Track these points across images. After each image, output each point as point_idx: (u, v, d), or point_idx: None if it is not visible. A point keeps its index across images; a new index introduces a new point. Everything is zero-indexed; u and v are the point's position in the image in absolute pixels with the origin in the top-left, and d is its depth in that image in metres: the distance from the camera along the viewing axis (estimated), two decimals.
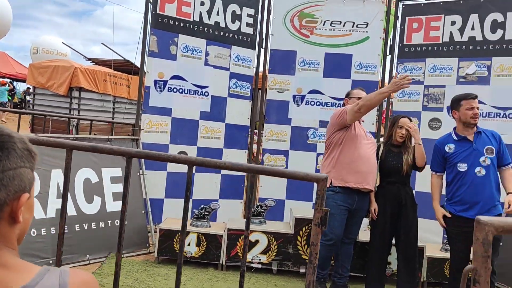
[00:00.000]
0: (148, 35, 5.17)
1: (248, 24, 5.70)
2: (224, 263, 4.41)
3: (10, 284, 0.83)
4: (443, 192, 3.77)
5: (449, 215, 3.59)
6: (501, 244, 3.68)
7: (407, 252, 3.88)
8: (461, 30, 5.25)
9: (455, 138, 3.60)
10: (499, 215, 3.44)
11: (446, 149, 3.61)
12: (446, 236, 4.04)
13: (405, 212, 3.84)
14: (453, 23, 5.29)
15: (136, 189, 4.86)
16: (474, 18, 5.20)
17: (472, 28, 5.19)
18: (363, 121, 4.07)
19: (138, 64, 5.41)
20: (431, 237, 4.90)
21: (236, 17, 5.63)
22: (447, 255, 4.30)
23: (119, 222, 4.55)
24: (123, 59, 11.40)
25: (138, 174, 4.97)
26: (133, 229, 4.62)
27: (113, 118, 10.49)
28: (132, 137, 5.21)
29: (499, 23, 5.09)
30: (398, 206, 3.84)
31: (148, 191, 5.01)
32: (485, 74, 5.08)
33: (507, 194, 3.38)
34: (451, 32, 5.30)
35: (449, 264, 4.13)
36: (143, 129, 5.21)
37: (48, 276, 0.87)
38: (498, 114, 5.00)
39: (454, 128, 3.66)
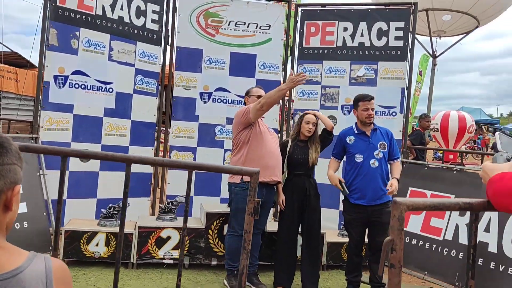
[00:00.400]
0: (47, 28, 4.90)
1: (153, 21, 5.67)
2: (135, 261, 4.39)
3: (5, 264, 0.94)
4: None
5: (343, 180, 3.98)
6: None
7: (312, 239, 4.22)
8: (352, 36, 5.81)
9: (356, 131, 4.04)
10: (388, 201, 3.93)
11: (347, 140, 4.03)
12: (343, 222, 4.48)
13: (310, 202, 4.18)
14: (345, 29, 5.83)
15: (36, 189, 4.60)
16: (363, 25, 5.78)
17: (362, 35, 5.78)
18: (263, 117, 4.31)
19: (36, 58, 5.08)
20: (329, 224, 5.37)
21: (140, 12, 5.56)
22: (344, 239, 4.77)
23: (19, 225, 4.29)
24: (10, 51, 10.45)
25: (38, 174, 4.70)
26: (34, 232, 4.38)
27: None
28: (31, 135, 4.90)
29: (383, 31, 5.73)
30: (304, 197, 4.17)
31: (49, 191, 4.76)
32: (373, 76, 5.70)
33: (392, 178, 3.90)
34: (344, 38, 5.83)
35: (346, 248, 4.60)
36: (42, 127, 4.93)
37: (36, 260, 1.00)
38: (384, 112, 5.64)
39: (356, 123, 4.09)
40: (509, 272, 4.09)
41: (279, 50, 5.93)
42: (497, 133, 1.69)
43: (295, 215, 4.17)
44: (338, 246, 4.88)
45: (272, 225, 4.80)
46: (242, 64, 5.83)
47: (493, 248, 4.34)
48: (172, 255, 4.47)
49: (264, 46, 5.88)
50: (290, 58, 6.09)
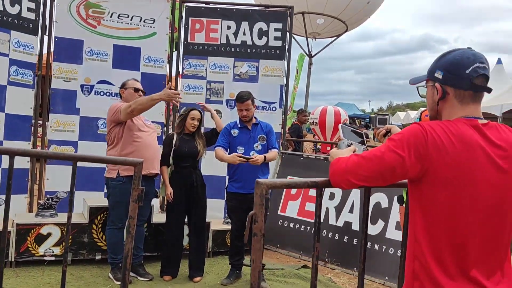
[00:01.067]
0: None
1: (29, 9, 5.33)
2: (13, 260, 4.18)
3: None
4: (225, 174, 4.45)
5: (240, 154, 4.22)
6: (267, 213, 4.59)
7: (198, 229, 4.42)
8: (235, 34, 6.11)
9: (239, 125, 4.33)
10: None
11: (232, 132, 4.31)
12: (226, 210, 4.76)
13: (197, 193, 4.37)
14: (228, 27, 6.10)
15: None
16: (245, 25, 6.11)
17: (244, 34, 6.10)
18: None
19: None
20: (214, 214, 5.62)
21: (15, 0, 5.20)
22: (228, 227, 5.05)
23: None
24: None
25: None
26: None
27: None
28: None
29: (264, 31, 6.12)
30: (191, 188, 4.35)
31: None
32: (255, 73, 6.06)
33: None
34: (227, 35, 6.10)
35: (230, 234, 4.88)
36: None
37: None
38: (265, 107, 6.05)
39: (239, 118, 4.37)
40: (389, 252, 4.67)
41: (164, 45, 5.99)
42: (339, 125, 1.94)
43: (182, 206, 4.33)
44: (223, 234, 5.15)
45: (158, 217, 4.90)
46: (126, 57, 5.77)
47: (355, 226, 4.98)
48: (53, 252, 4.34)
49: (148, 40, 5.89)
50: (175, 53, 6.18)
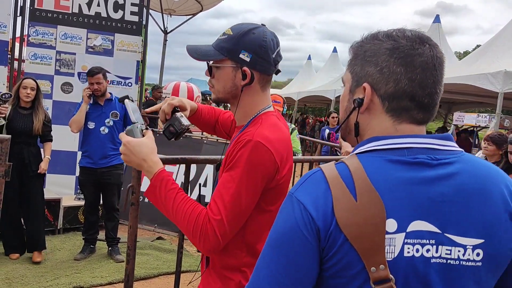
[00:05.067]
0: None
1: None
2: None
3: None
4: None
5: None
6: (122, 189, 4.67)
7: (34, 204, 4.23)
8: (89, 5, 5.86)
9: (91, 102, 4.28)
10: (118, 164, 4.39)
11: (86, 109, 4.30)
12: (79, 186, 4.70)
13: (31, 169, 4.15)
14: None
15: None
16: None
17: (98, 5, 5.89)
18: None
19: None
20: (65, 190, 5.45)
21: None
22: (80, 203, 4.99)
23: None
24: None
25: None
26: None
27: None
28: None
29: (120, 5, 5.99)
30: (22, 165, 4.10)
31: None
32: (110, 47, 5.93)
33: None
34: (80, 5, 5.81)
35: (83, 209, 4.84)
36: None
37: None
38: (120, 82, 5.99)
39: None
40: None
41: (8, 9, 5.46)
42: (125, 100, 1.50)
43: (15, 183, 4.04)
44: (75, 210, 5.07)
45: None
46: None
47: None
48: None
49: None
50: (19, 18, 5.67)
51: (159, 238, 5.18)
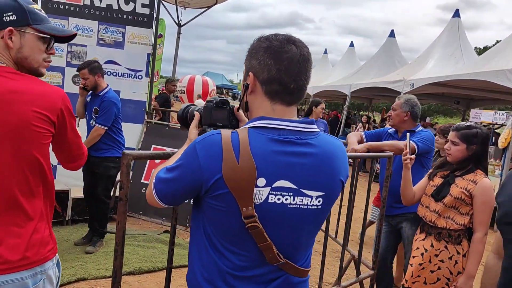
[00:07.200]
0: None
1: None
2: None
3: None
4: None
5: None
6: (131, 181, 4.68)
7: None
8: None
9: (89, 94, 4.47)
10: (113, 157, 4.42)
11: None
12: None
13: None
14: None
15: None
16: None
17: None
18: None
19: None
20: (73, 182, 5.48)
21: None
22: None
23: None
24: None
25: None
26: None
27: None
28: None
29: None
30: None
31: None
32: (120, 39, 5.93)
33: None
34: None
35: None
36: None
37: None
38: (131, 75, 5.99)
39: None
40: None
41: None
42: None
43: None
44: (84, 201, 5.09)
45: None
46: None
47: None
48: None
49: None
50: None
51: (166, 231, 5.17)
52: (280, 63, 1.21)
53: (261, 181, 1.17)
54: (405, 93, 10.46)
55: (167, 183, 1.24)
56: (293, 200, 1.22)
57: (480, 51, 23.42)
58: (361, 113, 25.45)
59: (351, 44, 21.78)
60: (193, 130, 1.44)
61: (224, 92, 41.40)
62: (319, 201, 1.25)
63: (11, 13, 1.45)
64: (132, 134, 5.75)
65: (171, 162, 1.31)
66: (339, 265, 3.01)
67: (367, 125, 14.51)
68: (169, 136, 6.04)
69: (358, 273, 3.09)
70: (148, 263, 4.18)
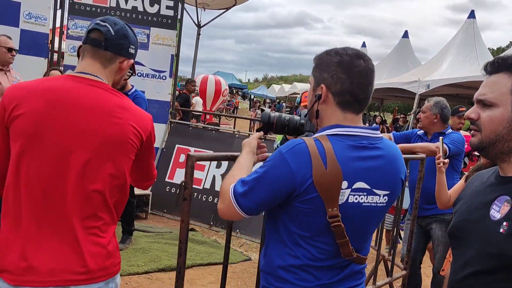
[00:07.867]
0: None
1: None
2: None
3: None
4: None
5: None
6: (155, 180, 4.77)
7: None
8: None
9: None
10: None
11: None
12: None
13: None
14: None
15: None
16: None
17: None
18: None
19: None
20: None
21: None
22: None
23: None
24: None
25: None
26: None
27: None
28: None
29: None
30: None
31: None
32: (145, 41, 6.03)
33: None
34: None
35: None
36: None
37: None
38: (155, 76, 6.09)
39: None
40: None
41: (48, 2, 5.60)
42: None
43: None
44: None
45: None
46: (3, 12, 5.29)
47: None
48: None
49: None
50: (59, 11, 5.82)
51: (192, 229, 5.26)
52: (351, 76, 1.36)
53: (344, 184, 1.32)
54: (420, 94, 10.48)
55: (254, 193, 1.33)
56: (367, 199, 1.37)
57: (494, 52, 23.27)
58: (371, 113, 25.40)
59: (363, 45, 21.74)
60: (253, 141, 1.58)
61: (235, 92, 41.39)
62: (385, 199, 1.41)
63: (134, 47, 1.60)
64: (156, 134, 5.81)
65: (239, 175, 1.41)
66: (374, 266, 3.07)
67: (380, 126, 14.51)
68: (192, 135, 6.13)
69: (391, 273, 3.15)
70: (176, 260, 4.26)
